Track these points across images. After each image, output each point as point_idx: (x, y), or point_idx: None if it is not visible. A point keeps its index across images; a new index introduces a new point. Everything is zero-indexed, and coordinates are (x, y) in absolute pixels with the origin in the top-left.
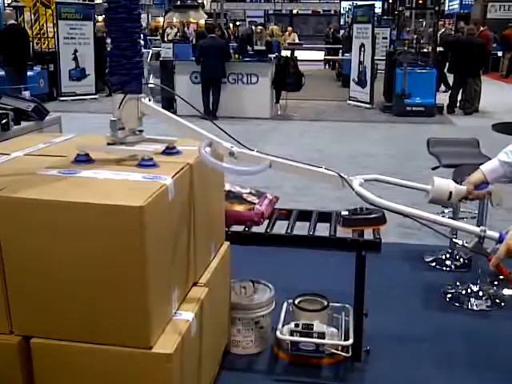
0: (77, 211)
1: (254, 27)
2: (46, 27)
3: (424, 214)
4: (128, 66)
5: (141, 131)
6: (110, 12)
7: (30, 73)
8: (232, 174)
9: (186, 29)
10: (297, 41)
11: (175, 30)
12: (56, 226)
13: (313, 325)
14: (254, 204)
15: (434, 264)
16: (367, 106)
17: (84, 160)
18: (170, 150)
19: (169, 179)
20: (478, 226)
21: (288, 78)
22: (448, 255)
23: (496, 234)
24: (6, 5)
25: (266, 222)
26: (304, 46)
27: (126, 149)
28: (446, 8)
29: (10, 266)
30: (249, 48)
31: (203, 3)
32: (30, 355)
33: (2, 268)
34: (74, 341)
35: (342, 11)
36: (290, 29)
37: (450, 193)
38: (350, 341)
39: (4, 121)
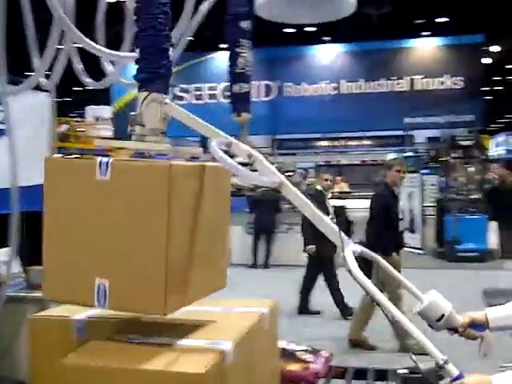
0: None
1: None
2: None
3: (401, 318)
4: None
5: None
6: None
7: None
8: (244, 179)
9: None
10: (345, 190)
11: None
12: None
13: None
14: (309, 363)
15: None
16: (419, 251)
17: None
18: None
19: (228, 344)
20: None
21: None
22: None
23: (456, 372)
24: None
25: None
26: (352, 194)
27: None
28: (493, 153)
29: None
30: None
31: None
32: None
33: None
34: None
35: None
36: (338, 178)
37: (442, 315)
38: None
39: None
